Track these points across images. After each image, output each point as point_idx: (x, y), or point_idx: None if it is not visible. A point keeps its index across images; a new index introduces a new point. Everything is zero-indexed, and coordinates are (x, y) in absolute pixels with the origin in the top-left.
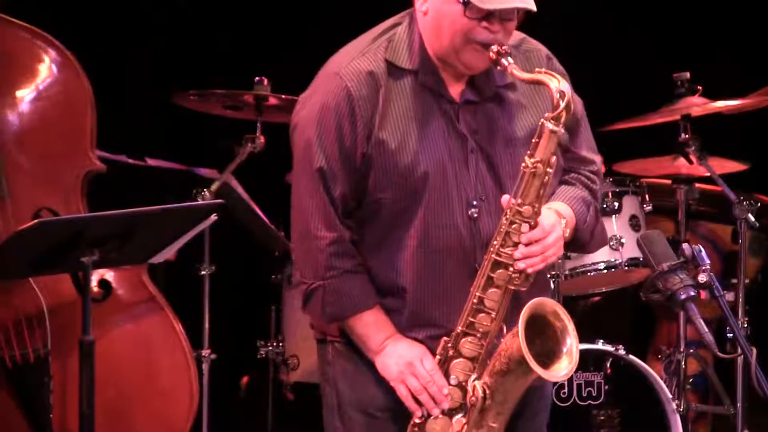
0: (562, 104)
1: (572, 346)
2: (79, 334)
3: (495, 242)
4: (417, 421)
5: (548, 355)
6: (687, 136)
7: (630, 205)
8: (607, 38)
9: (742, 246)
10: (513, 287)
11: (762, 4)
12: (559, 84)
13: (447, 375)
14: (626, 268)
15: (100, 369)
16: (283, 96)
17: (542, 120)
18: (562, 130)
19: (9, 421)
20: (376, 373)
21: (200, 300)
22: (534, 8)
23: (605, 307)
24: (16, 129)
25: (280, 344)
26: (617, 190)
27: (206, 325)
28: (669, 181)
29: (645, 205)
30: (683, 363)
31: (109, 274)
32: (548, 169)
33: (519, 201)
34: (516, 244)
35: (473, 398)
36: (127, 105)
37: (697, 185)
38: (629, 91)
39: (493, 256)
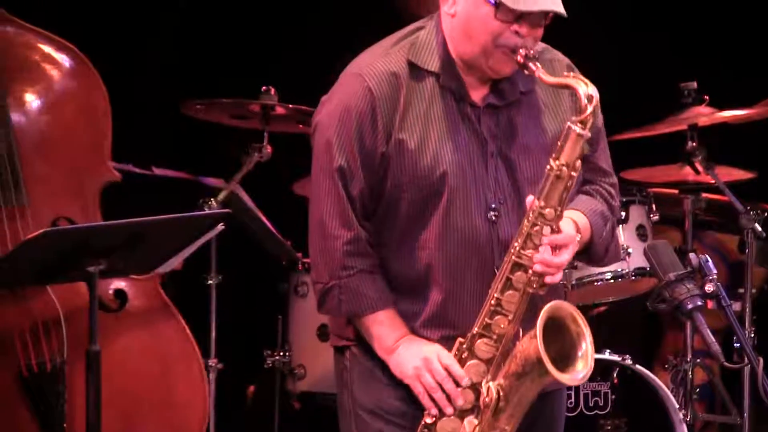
0: (590, 108)
1: (587, 350)
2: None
3: (516, 244)
4: (428, 421)
5: (563, 360)
6: (694, 144)
7: (637, 214)
8: (614, 48)
9: (749, 256)
10: (531, 290)
11: None
12: (587, 88)
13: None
14: (633, 277)
15: (116, 379)
16: (290, 105)
17: (568, 123)
18: (589, 134)
19: (22, 430)
20: (391, 377)
21: (207, 309)
22: (564, 13)
23: (612, 316)
24: (36, 138)
25: (287, 354)
26: (624, 199)
27: (213, 335)
28: (676, 191)
29: (652, 215)
30: (690, 373)
31: (125, 285)
32: (573, 173)
33: (542, 203)
34: (537, 247)
35: (487, 399)
36: (134, 114)
37: (704, 195)
38: (636, 101)
39: (513, 257)
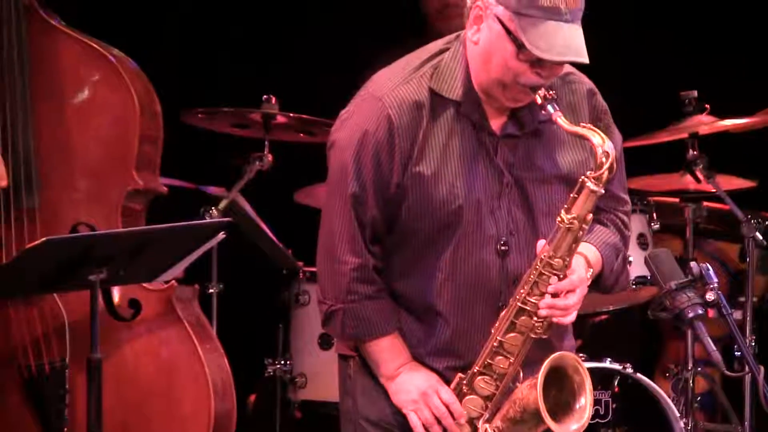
0: (606, 165)
1: (586, 404)
2: (102, 350)
3: (522, 291)
4: None
5: (562, 407)
6: (695, 153)
7: (638, 223)
8: (615, 56)
9: (749, 264)
10: (534, 335)
11: None
12: (603, 143)
13: None
14: (634, 286)
15: (122, 388)
16: (291, 114)
17: (583, 177)
18: (602, 191)
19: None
20: None
21: (208, 318)
22: (587, 62)
23: (613, 325)
24: (63, 142)
25: (288, 362)
26: None
27: None
28: (677, 200)
29: (653, 224)
30: (691, 381)
31: (139, 294)
32: (584, 226)
33: (551, 253)
34: (543, 294)
35: None
36: None
37: (705, 204)
38: (637, 109)
39: (518, 303)
